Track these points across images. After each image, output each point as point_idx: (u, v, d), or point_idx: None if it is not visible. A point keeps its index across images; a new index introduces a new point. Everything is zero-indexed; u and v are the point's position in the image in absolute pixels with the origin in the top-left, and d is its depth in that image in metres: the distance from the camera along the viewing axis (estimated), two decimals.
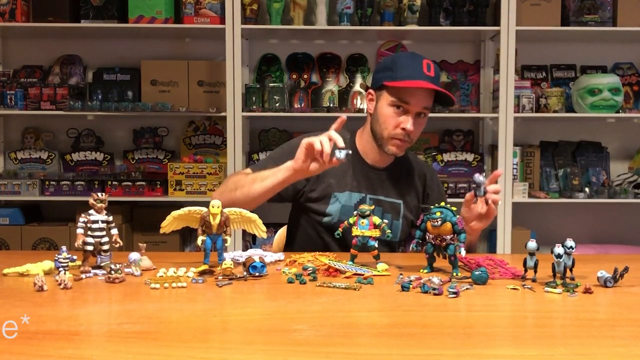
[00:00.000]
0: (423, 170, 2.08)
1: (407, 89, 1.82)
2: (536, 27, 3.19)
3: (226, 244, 1.51)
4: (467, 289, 1.36)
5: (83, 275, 1.46)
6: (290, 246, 2.07)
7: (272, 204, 1.99)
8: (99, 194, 1.51)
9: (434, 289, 1.32)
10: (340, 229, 1.57)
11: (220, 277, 1.43)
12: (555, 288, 1.36)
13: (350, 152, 1.63)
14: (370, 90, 1.94)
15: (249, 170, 1.92)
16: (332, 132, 1.64)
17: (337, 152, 1.61)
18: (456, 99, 3.44)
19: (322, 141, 1.62)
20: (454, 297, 1.30)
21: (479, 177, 1.60)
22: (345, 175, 1.95)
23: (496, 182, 1.74)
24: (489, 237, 3.43)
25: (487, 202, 1.68)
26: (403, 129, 1.85)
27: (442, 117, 3.32)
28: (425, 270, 1.53)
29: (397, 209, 1.98)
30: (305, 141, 1.65)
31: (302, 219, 2.01)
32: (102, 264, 1.51)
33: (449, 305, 1.26)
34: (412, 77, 1.81)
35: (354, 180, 1.95)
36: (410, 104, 1.84)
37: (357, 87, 3.49)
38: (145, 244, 1.56)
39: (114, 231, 1.52)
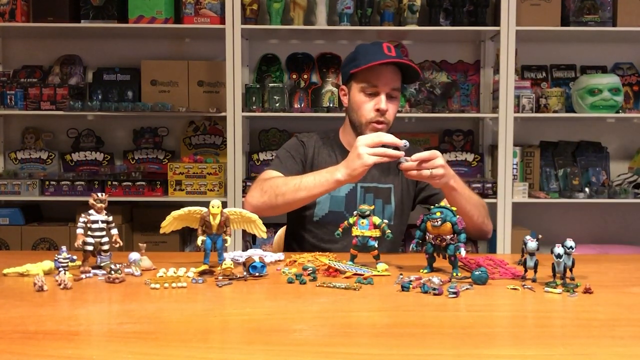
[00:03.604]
0: (409, 151, 2.06)
1: (372, 71, 1.89)
2: (536, 27, 3.19)
3: (226, 244, 1.52)
4: (467, 289, 1.36)
5: (83, 275, 1.46)
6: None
7: None
8: (99, 194, 1.51)
9: (434, 289, 1.32)
10: (340, 229, 1.57)
11: (220, 277, 1.43)
12: (555, 288, 1.36)
13: (408, 143, 1.68)
14: (342, 86, 2.03)
15: (276, 172, 1.93)
16: (390, 137, 1.69)
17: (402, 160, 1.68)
18: (456, 99, 3.44)
19: (392, 155, 1.67)
20: (454, 297, 1.30)
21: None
22: None
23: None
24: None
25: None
26: (377, 109, 1.91)
27: (442, 117, 3.32)
28: (425, 270, 1.53)
29: (387, 193, 2.01)
30: (374, 159, 1.67)
31: (297, 226, 2.03)
32: (102, 264, 1.51)
33: (449, 305, 1.26)
34: (373, 59, 1.89)
35: None
36: (378, 86, 1.91)
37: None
38: (145, 244, 1.56)
39: (114, 231, 1.52)
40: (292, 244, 2.06)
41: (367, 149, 1.67)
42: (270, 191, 1.82)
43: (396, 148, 1.68)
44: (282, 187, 1.81)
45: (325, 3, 3.43)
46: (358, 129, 1.96)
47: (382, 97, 1.91)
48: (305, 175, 1.82)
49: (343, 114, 3.19)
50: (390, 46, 1.92)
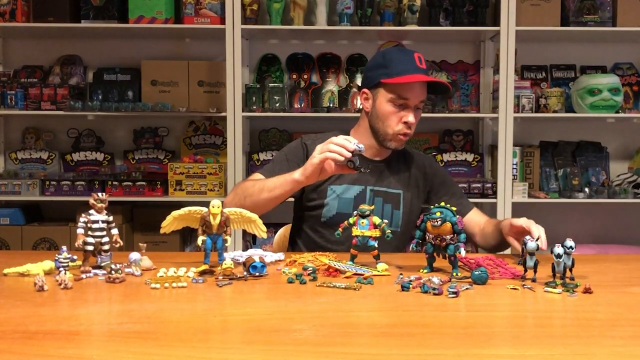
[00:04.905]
0: (422, 160, 2.10)
1: (404, 84, 1.87)
2: (536, 27, 3.19)
3: (226, 244, 1.52)
4: (467, 289, 1.36)
5: (83, 275, 1.46)
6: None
7: None
8: (99, 194, 1.51)
9: (434, 289, 1.32)
10: (340, 229, 1.57)
11: (220, 277, 1.43)
12: (555, 288, 1.36)
13: (362, 147, 1.67)
14: (365, 90, 1.97)
15: (259, 175, 1.94)
16: (341, 139, 1.68)
17: (354, 160, 1.67)
18: (456, 99, 3.44)
19: (341, 153, 1.65)
20: (454, 297, 1.30)
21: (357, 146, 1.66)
22: None
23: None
24: None
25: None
26: (405, 122, 1.90)
27: (442, 117, 3.32)
28: (425, 270, 1.53)
29: (396, 198, 2.00)
30: (320, 157, 1.67)
31: (304, 225, 2.03)
32: (102, 264, 1.51)
33: (449, 305, 1.26)
34: (408, 71, 1.87)
35: (352, 174, 1.96)
36: (409, 99, 1.89)
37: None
38: (145, 244, 1.56)
39: (114, 231, 1.52)
40: (298, 243, 2.05)
41: (318, 150, 1.69)
42: (240, 193, 1.84)
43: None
44: (249, 189, 1.84)
45: (325, 3, 3.43)
46: (381, 137, 1.95)
47: (411, 111, 1.89)
48: (272, 178, 1.84)
49: (343, 114, 3.24)
50: (420, 57, 1.90)
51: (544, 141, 3.49)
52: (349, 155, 1.66)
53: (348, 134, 2.07)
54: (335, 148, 1.66)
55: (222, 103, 3.22)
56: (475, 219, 2.02)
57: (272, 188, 1.79)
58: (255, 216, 1.61)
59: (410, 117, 1.89)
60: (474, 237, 2.01)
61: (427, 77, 1.89)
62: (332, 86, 3.49)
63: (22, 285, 1.41)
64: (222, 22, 3.16)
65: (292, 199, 2.07)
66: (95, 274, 1.48)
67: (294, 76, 3.49)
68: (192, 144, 3.48)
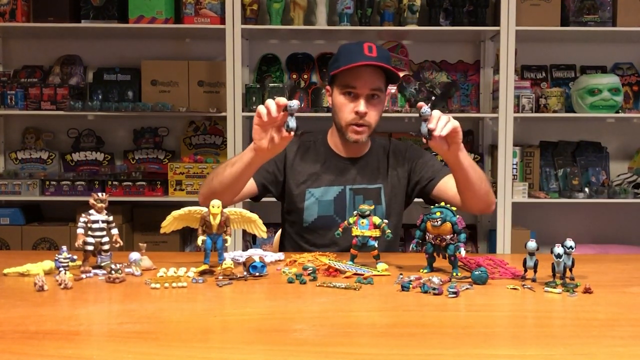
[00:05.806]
0: (399, 146, 2.06)
1: (350, 73, 1.86)
2: (536, 27, 3.19)
3: (226, 244, 1.52)
4: (467, 289, 1.36)
5: (83, 275, 1.46)
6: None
7: (273, 204, 2.01)
8: (99, 194, 1.51)
9: (434, 289, 1.32)
10: (340, 228, 1.57)
11: (220, 277, 1.43)
12: (555, 288, 1.36)
13: (298, 102, 1.59)
14: (327, 87, 2.00)
15: None
16: (278, 98, 1.62)
17: (288, 121, 1.57)
18: (456, 99, 3.44)
19: (268, 106, 1.59)
20: (454, 297, 1.30)
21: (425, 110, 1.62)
22: (320, 173, 1.97)
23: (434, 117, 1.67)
24: (489, 237, 3.43)
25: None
26: (356, 112, 1.88)
27: None
28: (425, 270, 1.53)
29: (377, 193, 1.98)
30: (255, 122, 1.64)
31: (289, 229, 2.03)
32: (102, 264, 1.51)
33: (449, 305, 1.26)
34: (352, 60, 1.86)
35: (330, 175, 1.97)
36: (357, 87, 1.88)
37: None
38: (145, 244, 1.56)
39: (114, 231, 1.52)
40: (286, 247, 2.05)
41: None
42: (209, 177, 1.86)
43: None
44: (217, 170, 1.84)
45: (325, 3, 3.43)
46: (340, 131, 1.94)
47: (361, 100, 1.87)
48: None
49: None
50: (372, 46, 1.88)
51: (544, 141, 3.49)
52: (274, 111, 1.56)
53: (326, 134, 2.06)
54: (267, 103, 1.60)
55: (222, 103, 3.22)
56: (451, 182, 1.89)
57: (233, 162, 1.77)
58: (255, 216, 1.61)
59: (361, 107, 1.86)
60: (450, 200, 1.88)
61: (367, 61, 1.85)
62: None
63: (22, 285, 1.41)
64: (222, 22, 3.16)
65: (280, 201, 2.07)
66: (95, 274, 1.48)
67: (294, 76, 3.49)
68: (192, 144, 3.48)
